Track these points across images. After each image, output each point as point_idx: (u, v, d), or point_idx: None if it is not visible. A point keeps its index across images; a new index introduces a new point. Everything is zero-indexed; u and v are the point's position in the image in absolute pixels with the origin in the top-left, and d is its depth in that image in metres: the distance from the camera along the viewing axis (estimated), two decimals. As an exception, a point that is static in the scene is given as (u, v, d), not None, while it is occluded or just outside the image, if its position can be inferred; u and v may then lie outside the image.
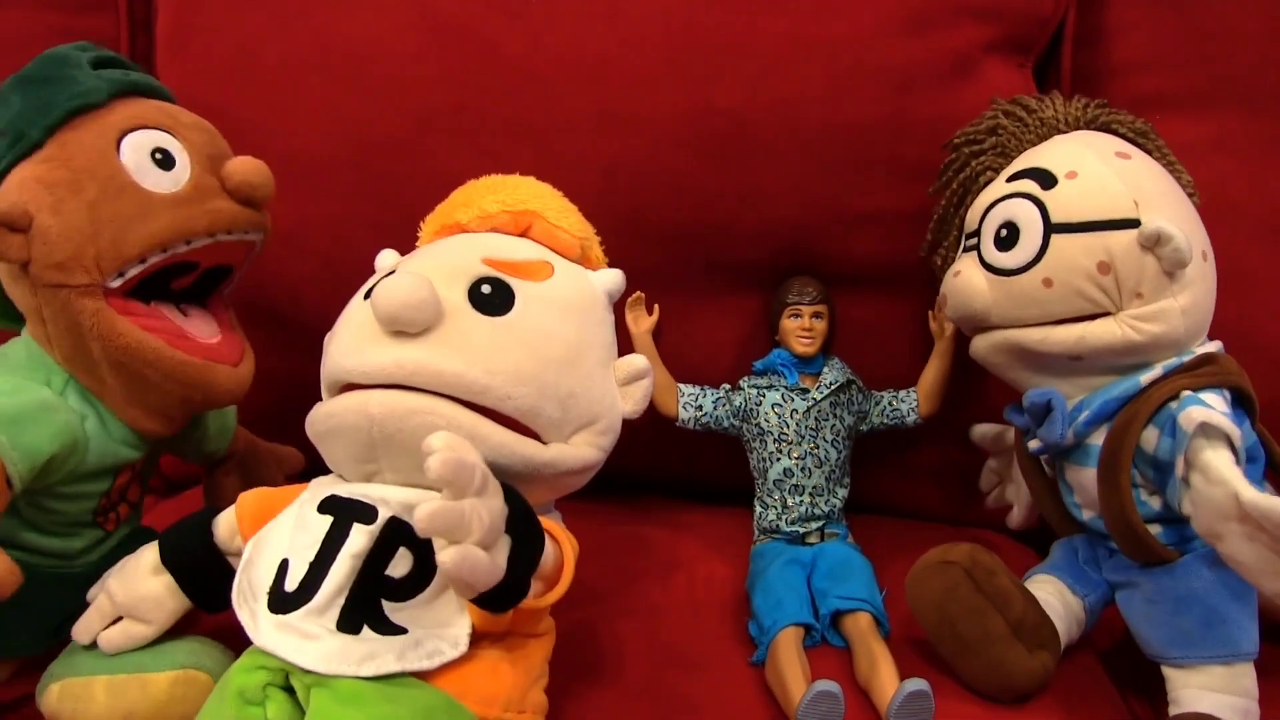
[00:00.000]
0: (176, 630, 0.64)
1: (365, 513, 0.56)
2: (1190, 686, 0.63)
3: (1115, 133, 0.71)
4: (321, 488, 0.59)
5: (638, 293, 0.87)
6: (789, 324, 0.83)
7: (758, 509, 0.84)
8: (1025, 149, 0.72)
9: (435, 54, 0.85)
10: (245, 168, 0.66)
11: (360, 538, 0.55)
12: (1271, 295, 0.84)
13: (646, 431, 0.89)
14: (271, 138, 0.88)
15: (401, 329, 0.56)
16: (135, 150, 0.62)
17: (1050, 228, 0.66)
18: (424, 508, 0.45)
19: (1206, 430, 0.60)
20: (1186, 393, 0.62)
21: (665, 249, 0.86)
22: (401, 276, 0.57)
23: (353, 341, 0.58)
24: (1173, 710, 0.63)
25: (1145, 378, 0.65)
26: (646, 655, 0.71)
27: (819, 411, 0.82)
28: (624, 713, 0.66)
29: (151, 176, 0.63)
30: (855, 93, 0.82)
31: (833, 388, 0.82)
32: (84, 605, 0.64)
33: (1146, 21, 0.87)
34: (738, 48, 0.83)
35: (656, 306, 0.88)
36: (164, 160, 0.63)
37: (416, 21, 0.86)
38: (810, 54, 0.82)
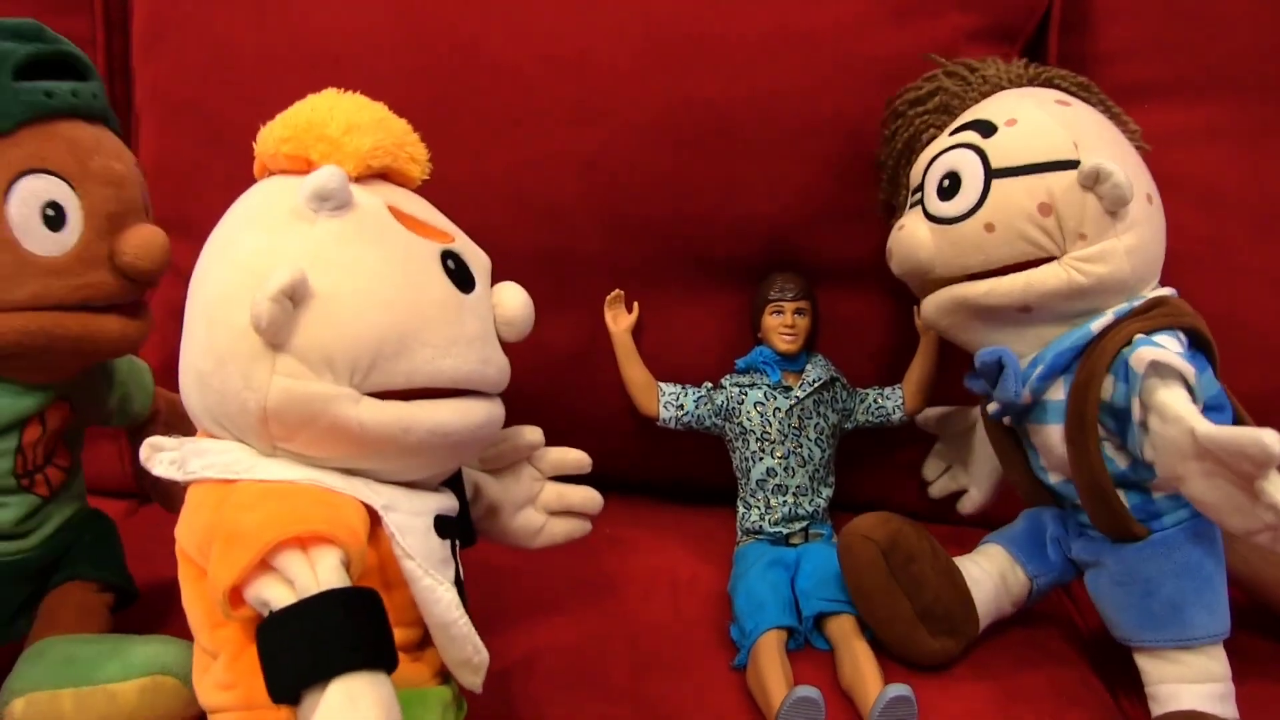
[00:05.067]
0: (137, 629, 0.63)
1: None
2: (1167, 681, 0.63)
3: (1058, 88, 0.71)
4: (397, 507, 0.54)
5: (617, 290, 0.86)
6: (771, 321, 0.82)
7: (740, 509, 0.83)
8: (968, 107, 0.72)
9: (412, 49, 0.84)
10: (139, 247, 0.61)
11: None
12: (1261, 285, 0.82)
13: (628, 431, 0.89)
14: (249, 135, 0.86)
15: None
16: (24, 203, 0.57)
17: (990, 173, 0.65)
18: None
19: (1159, 369, 0.59)
20: (1138, 336, 0.61)
21: (645, 245, 0.85)
22: (516, 289, 0.59)
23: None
24: (1156, 709, 0.63)
25: (1096, 325, 0.64)
26: (627, 659, 0.70)
27: (802, 410, 0.80)
28: (604, 717, 0.65)
29: (35, 236, 0.58)
30: (838, 85, 0.81)
31: (816, 385, 0.81)
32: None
33: (1134, 8, 0.85)
34: (717, 40, 0.81)
35: (636, 304, 0.87)
36: (54, 218, 0.58)
37: (393, 16, 0.85)
38: (792, 46, 0.81)
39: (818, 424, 0.81)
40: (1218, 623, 0.62)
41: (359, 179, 0.55)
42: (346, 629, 0.44)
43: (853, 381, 0.86)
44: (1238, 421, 0.65)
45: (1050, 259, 0.64)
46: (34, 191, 0.58)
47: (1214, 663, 0.62)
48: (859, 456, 0.88)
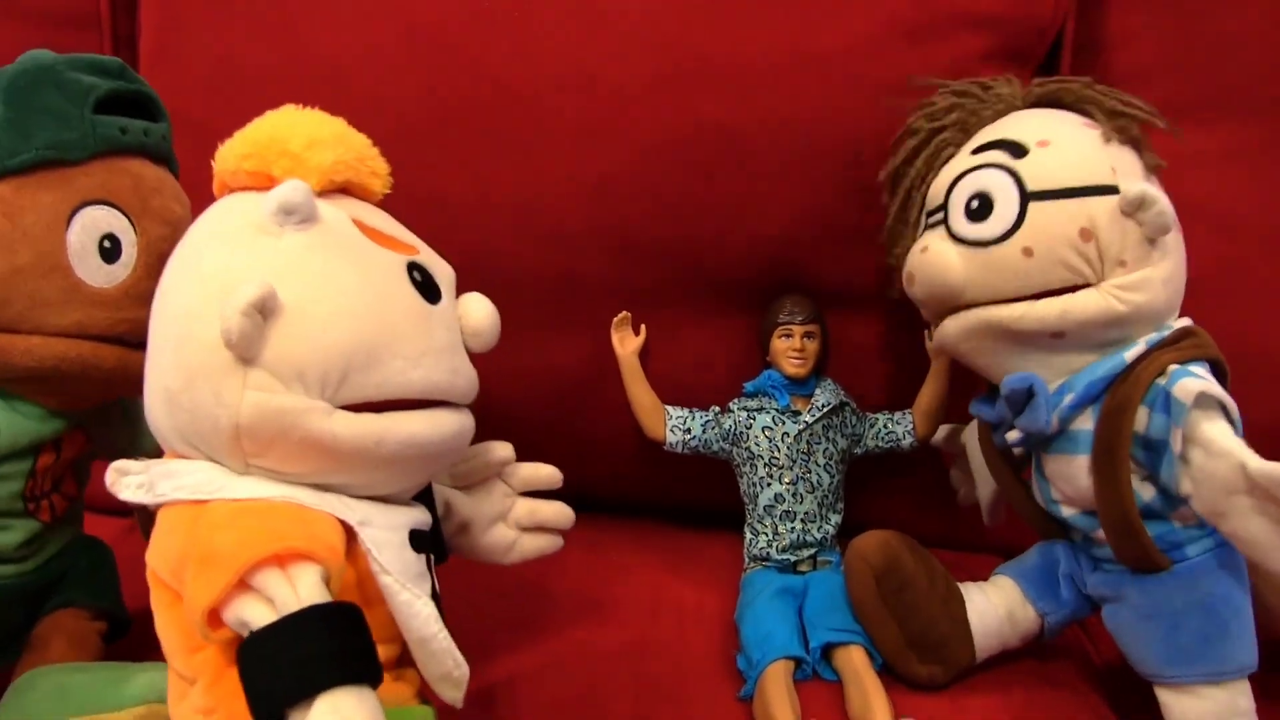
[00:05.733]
0: (129, 654, 0.62)
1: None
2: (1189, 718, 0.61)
3: (1066, 104, 0.69)
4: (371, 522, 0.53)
5: (624, 312, 0.85)
6: (780, 344, 0.80)
7: (748, 536, 0.82)
8: (984, 125, 0.70)
9: (418, 68, 0.84)
10: None
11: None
12: (1279, 310, 0.81)
13: (634, 455, 0.88)
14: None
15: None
16: (85, 231, 0.59)
17: (1026, 195, 0.63)
18: None
19: (1204, 401, 0.58)
20: (1174, 367, 0.60)
21: (653, 267, 0.84)
22: (482, 299, 0.59)
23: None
24: None
25: (1129, 354, 0.62)
26: (631, 688, 0.69)
27: (811, 435, 0.79)
28: (606, 749, 0.64)
29: (89, 264, 0.59)
30: (849, 107, 0.80)
31: (825, 410, 0.80)
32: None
33: (1149, 29, 0.84)
34: (727, 60, 0.81)
35: (643, 327, 0.86)
36: (110, 250, 0.60)
37: (399, 35, 0.85)
38: (802, 66, 0.80)
39: (826, 449, 0.80)
40: (1246, 655, 0.60)
41: (322, 194, 0.55)
42: (330, 644, 0.43)
43: (862, 406, 0.84)
44: None
45: (1085, 285, 0.62)
46: (95, 221, 0.59)
47: (1240, 697, 0.61)
48: (868, 483, 0.87)
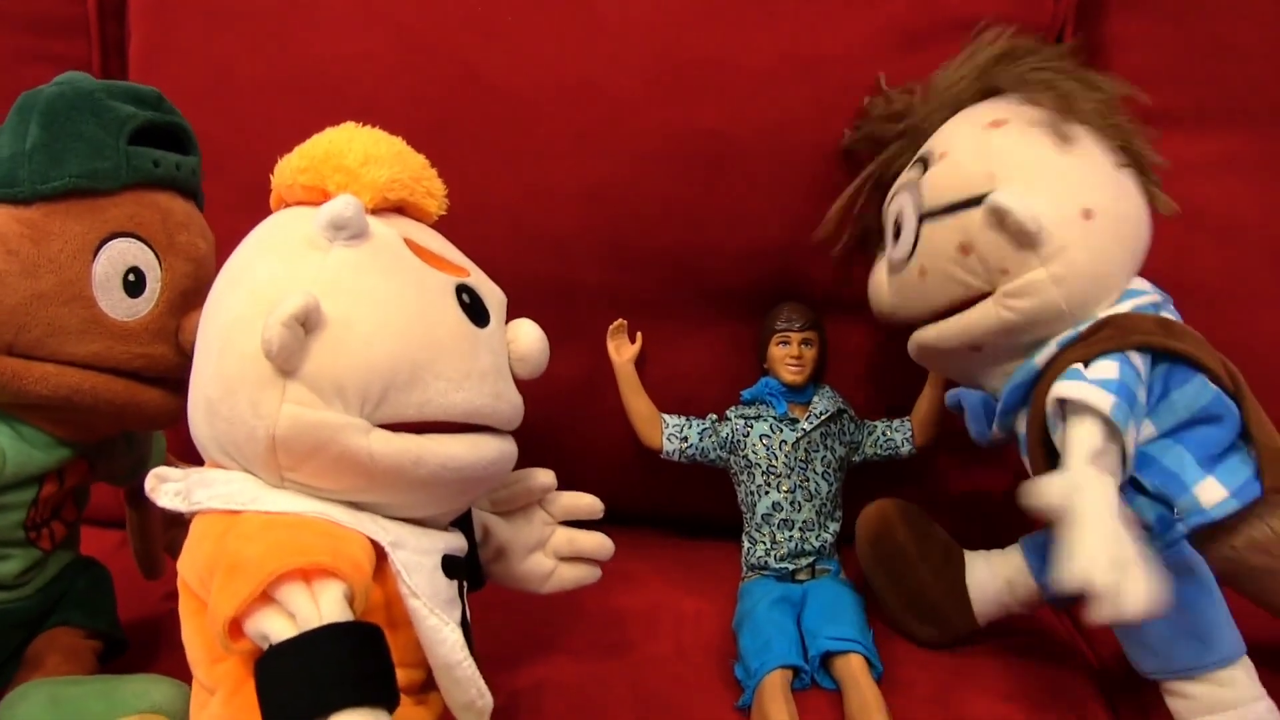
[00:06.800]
0: (125, 668, 0.62)
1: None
2: (1199, 716, 0.59)
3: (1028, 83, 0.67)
4: (403, 545, 0.53)
5: (620, 320, 0.85)
6: (777, 351, 0.80)
7: (746, 544, 0.81)
8: (934, 129, 0.71)
9: (411, 76, 0.83)
10: None
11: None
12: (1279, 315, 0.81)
13: (631, 464, 0.88)
14: (245, 161, 0.84)
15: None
16: (111, 262, 0.59)
17: (921, 216, 0.65)
18: None
19: (1070, 408, 0.57)
20: (1073, 367, 0.59)
21: (649, 274, 0.84)
22: (532, 326, 0.59)
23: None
24: None
25: (1040, 358, 0.62)
26: (629, 697, 0.69)
27: (809, 443, 0.79)
28: (603, 760, 0.63)
29: (112, 297, 0.59)
30: (845, 112, 0.80)
31: (823, 418, 0.79)
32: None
33: (1148, 35, 0.84)
34: (723, 67, 0.80)
35: (640, 335, 0.86)
36: (134, 284, 0.60)
37: (392, 43, 0.84)
38: (799, 73, 0.80)
39: (825, 457, 0.79)
40: (1236, 641, 0.59)
41: (375, 211, 0.55)
42: (348, 664, 0.43)
43: (861, 413, 0.84)
44: (1245, 428, 0.61)
45: (986, 295, 0.63)
46: (122, 254, 0.60)
47: (1244, 683, 0.59)
48: (867, 490, 0.86)
